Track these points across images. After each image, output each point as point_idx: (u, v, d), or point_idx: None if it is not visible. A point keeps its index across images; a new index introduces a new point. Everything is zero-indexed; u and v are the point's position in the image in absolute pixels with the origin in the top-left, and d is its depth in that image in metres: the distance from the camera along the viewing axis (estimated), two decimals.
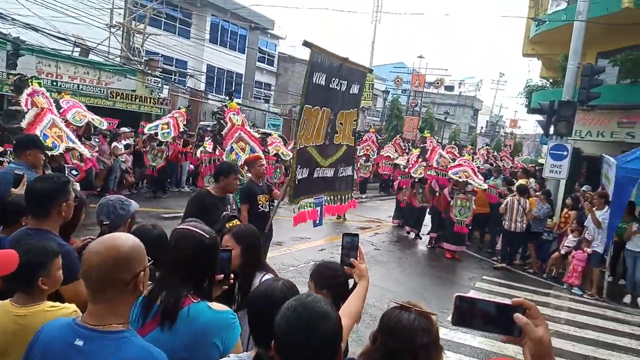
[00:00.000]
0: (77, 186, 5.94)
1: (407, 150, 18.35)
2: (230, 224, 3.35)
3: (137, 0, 20.48)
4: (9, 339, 1.82)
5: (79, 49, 17.00)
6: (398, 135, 22.62)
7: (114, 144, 11.88)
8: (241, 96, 26.78)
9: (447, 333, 5.45)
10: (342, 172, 5.46)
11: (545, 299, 7.76)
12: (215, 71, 26.99)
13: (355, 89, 5.24)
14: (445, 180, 10.05)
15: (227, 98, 9.26)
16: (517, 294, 7.68)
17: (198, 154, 12.53)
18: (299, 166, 4.56)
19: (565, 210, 9.70)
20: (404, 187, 11.93)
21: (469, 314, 1.11)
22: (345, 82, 4.91)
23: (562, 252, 8.85)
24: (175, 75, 23.80)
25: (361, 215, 13.22)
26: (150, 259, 1.54)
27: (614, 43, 11.72)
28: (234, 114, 8.25)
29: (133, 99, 16.95)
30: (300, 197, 4.70)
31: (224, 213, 3.72)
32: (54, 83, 14.83)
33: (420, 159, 11.48)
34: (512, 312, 1.07)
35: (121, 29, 19.23)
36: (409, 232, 11.51)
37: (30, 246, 2.01)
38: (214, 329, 1.77)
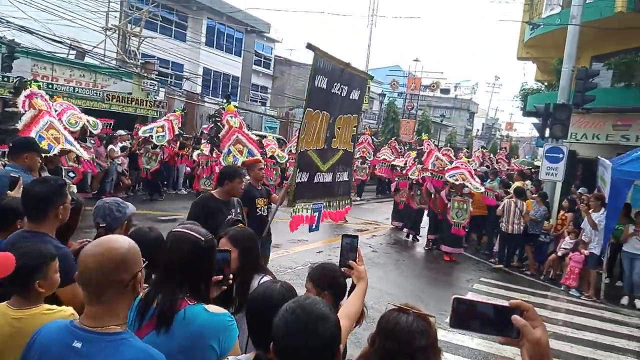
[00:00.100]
0: (74, 189, 5.91)
1: (402, 153, 18.37)
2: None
3: (133, 3, 20.46)
4: (5, 342, 1.81)
5: (74, 52, 16.96)
6: (393, 138, 22.67)
7: (110, 146, 11.84)
8: (237, 99, 26.77)
9: (446, 335, 5.45)
10: (339, 177, 5.46)
11: (543, 300, 7.77)
12: (212, 74, 26.97)
13: (355, 95, 5.24)
14: (440, 183, 10.07)
15: (225, 101, 9.27)
16: (514, 295, 7.70)
17: (195, 157, 12.50)
18: (299, 169, 4.55)
19: (561, 212, 9.74)
20: (402, 188, 11.95)
21: (467, 316, 1.11)
22: (346, 87, 4.91)
23: (559, 254, 8.88)
24: (171, 78, 23.76)
25: (358, 218, 13.22)
26: (145, 259, 1.53)
27: (608, 47, 11.80)
28: (231, 117, 8.25)
29: (129, 102, 16.90)
30: (299, 200, 4.69)
31: (228, 217, 3.70)
32: (50, 86, 14.76)
33: (416, 161, 11.50)
34: (509, 314, 1.07)
35: (117, 31, 19.21)
36: (408, 235, 11.52)
37: (27, 249, 2.01)
38: (210, 332, 1.76)
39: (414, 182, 11.02)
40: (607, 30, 10.64)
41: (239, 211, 4.37)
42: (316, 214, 4.97)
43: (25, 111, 6.26)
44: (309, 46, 4.20)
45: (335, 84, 4.70)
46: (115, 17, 19.53)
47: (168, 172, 14.31)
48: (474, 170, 11.26)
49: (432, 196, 10.34)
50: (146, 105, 17.51)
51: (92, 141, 11.18)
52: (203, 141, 12.37)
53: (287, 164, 15.03)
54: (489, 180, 11.81)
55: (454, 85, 45.82)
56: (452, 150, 13.89)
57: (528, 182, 12.76)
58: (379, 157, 16.97)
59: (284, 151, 14.73)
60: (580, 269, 8.28)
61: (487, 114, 55.84)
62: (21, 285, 1.92)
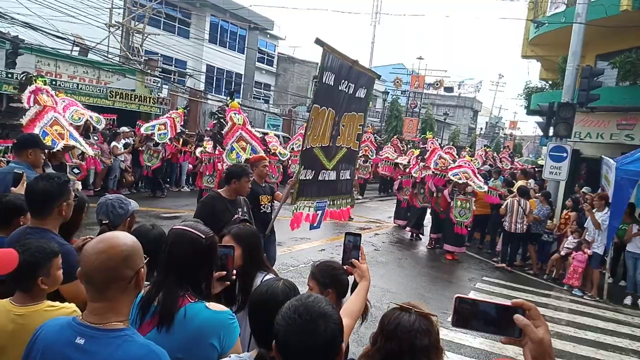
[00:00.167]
0: (79, 185, 5.90)
1: (404, 150, 18.32)
2: None
3: (137, 0, 20.47)
4: (7, 339, 1.81)
5: (78, 48, 16.98)
6: (395, 136, 22.64)
7: (113, 143, 11.87)
8: (240, 96, 26.78)
9: (448, 334, 5.44)
10: (342, 175, 5.44)
11: (546, 300, 7.76)
12: (215, 71, 26.99)
13: (362, 93, 5.20)
14: (442, 181, 10.05)
15: (229, 98, 9.27)
16: (517, 295, 7.68)
17: (198, 154, 12.51)
18: (303, 166, 4.52)
19: (565, 211, 9.70)
20: (405, 187, 11.93)
21: (469, 316, 1.10)
22: (353, 85, 4.87)
23: (562, 253, 8.85)
24: (174, 75, 23.79)
25: (361, 216, 13.22)
26: (146, 256, 1.54)
27: (613, 45, 11.73)
28: (235, 113, 8.24)
29: (132, 99, 16.93)
30: (301, 198, 4.67)
31: (235, 216, 3.67)
32: (53, 82, 14.79)
33: (419, 159, 11.48)
34: (512, 313, 1.06)
35: (120, 28, 19.22)
36: (412, 234, 11.48)
37: (30, 245, 2.01)
38: (211, 329, 1.76)
39: (417, 180, 10.99)
40: (612, 28, 10.58)
41: (245, 210, 4.32)
42: (319, 212, 4.95)
43: (30, 107, 6.24)
44: (318, 41, 4.14)
45: (343, 81, 4.66)
46: (119, 13, 19.54)
47: (171, 169, 14.35)
48: (477, 169, 11.23)
49: (434, 195, 10.33)
50: (149, 102, 17.54)
51: (96, 137, 11.21)
52: (206, 138, 12.36)
53: (290, 161, 15.02)
54: (492, 179, 11.78)
55: (458, 83, 45.64)
56: (455, 149, 13.84)
57: (531, 180, 12.72)
58: (382, 156, 16.96)
59: (286, 148, 14.72)
60: (583, 269, 8.25)
61: (490, 113, 55.68)
62: (24, 282, 1.93)
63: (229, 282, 2.16)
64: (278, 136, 16.69)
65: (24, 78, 8.15)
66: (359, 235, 2.27)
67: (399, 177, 12.82)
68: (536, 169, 17.00)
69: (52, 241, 2.18)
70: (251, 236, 2.58)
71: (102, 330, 1.41)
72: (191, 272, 1.85)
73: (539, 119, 11.88)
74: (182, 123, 13.04)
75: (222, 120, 8.92)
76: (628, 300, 7.91)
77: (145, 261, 1.53)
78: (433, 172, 10.28)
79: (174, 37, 23.94)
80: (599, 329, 6.59)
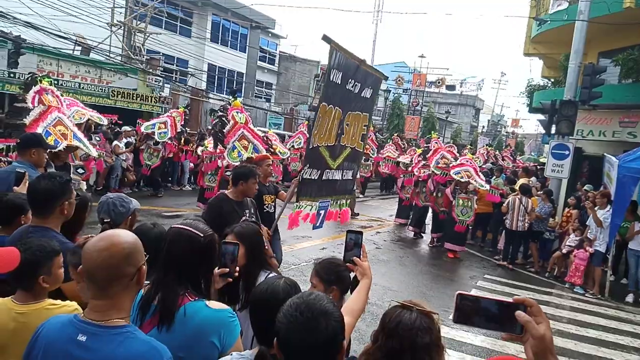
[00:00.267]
0: (84, 185, 5.88)
1: (405, 148, 18.28)
2: None
3: None
4: (9, 337, 1.82)
5: (80, 48, 17.01)
6: (396, 134, 22.62)
7: (115, 142, 11.88)
8: (242, 95, 26.79)
9: (449, 332, 5.44)
10: (345, 175, 5.42)
11: (547, 297, 7.75)
12: (217, 70, 26.99)
13: (367, 93, 5.15)
14: (442, 179, 10.05)
15: (231, 97, 9.27)
16: (519, 292, 7.68)
17: (199, 152, 12.51)
18: (307, 165, 4.48)
19: (567, 209, 9.69)
20: (407, 185, 11.92)
21: (470, 312, 1.10)
22: (359, 84, 4.82)
23: (564, 251, 8.84)
24: (176, 74, 23.80)
25: (363, 214, 13.22)
26: (146, 253, 1.54)
27: (615, 43, 11.70)
28: (237, 112, 8.23)
29: (134, 98, 16.96)
30: (303, 197, 4.62)
31: (243, 218, 3.65)
32: (55, 82, 14.83)
33: (422, 158, 11.47)
34: (513, 310, 1.06)
35: (122, 27, 19.24)
36: (415, 234, 11.47)
37: (31, 244, 2.02)
38: (211, 328, 1.76)
39: (419, 179, 10.99)
40: (614, 26, 10.54)
41: (252, 211, 4.27)
42: (322, 211, 4.91)
43: (34, 107, 6.24)
44: (325, 38, 4.06)
45: (350, 80, 4.60)
46: (121, 13, 19.56)
47: (172, 168, 14.36)
48: (479, 167, 11.22)
49: (434, 194, 10.35)
50: (151, 101, 17.56)
51: (98, 138, 11.23)
52: (208, 138, 12.36)
53: (289, 159, 15.01)
54: (494, 177, 11.77)
55: (460, 81, 45.60)
56: (456, 147, 13.83)
57: (533, 178, 12.70)
58: (383, 154, 16.93)
59: (285, 146, 14.70)
60: (585, 266, 8.24)
61: (492, 111, 55.62)
62: (25, 281, 1.93)
63: (231, 279, 2.15)
64: (279, 134, 16.68)
65: (29, 78, 8.16)
66: (361, 233, 2.27)
67: (401, 175, 12.80)
68: (538, 167, 16.98)
69: (54, 240, 2.19)
70: (254, 235, 2.58)
71: (103, 327, 1.41)
72: (190, 270, 1.84)
73: (541, 116, 11.83)
74: (182, 122, 13.02)
75: (224, 118, 8.91)
76: (630, 298, 7.90)
77: (146, 258, 1.53)
78: (433, 171, 10.28)
79: (175, 36, 23.95)
80: (601, 326, 6.58)
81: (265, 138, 9.37)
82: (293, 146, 16.16)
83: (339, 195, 5.31)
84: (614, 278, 8.58)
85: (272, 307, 1.56)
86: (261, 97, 31.03)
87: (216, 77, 27.18)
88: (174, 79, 22.48)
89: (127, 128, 12.83)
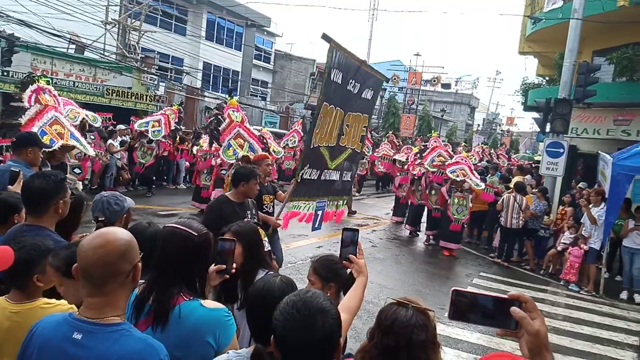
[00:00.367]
0: (80, 185, 5.85)
1: (399, 146, 18.30)
2: None
3: None
4: (2, 336, 1.81)
5: (74, 46, 16.91)
6: (390, 132, 22.64)
7: (110, 141, 11.83)
8: (238, 94, 26.73)
9: (445, 329, 5.46)
10: (345, 176, 5.40)
11: (542, 295, 7.78)
12: (212, 68, 26.92)
13: (368, 94, 5.12)
14: (439, 178, 10.08)
15: (228, 95, 9.25)
16: (514, 290, 7.69)
17: (195, 152, 12.48)
18: (307, 165, 4.43)
19: (561, 207, 9.74)
20: (403, 184, 11.94)
21: (465, 309, 1.11)
22: (359, 85, 4.78)
23: (559, 248, 8.88)
24: (171, 73, 23.71)
25: (359, 213, 13.22)
26: (141, 252, 1.54)
27: (610, 41, 11.75)
28: (233, 111, 8.22)
29: (129, 96, 16.88)
30: (299, 197, 4.59)
31: (245, 220, 3.62)
32: (49, 80, 14.76)
33: (417, 157, 11.50)
34: (508, 306, 1.07)
35: (117, 26, 19.14)
36: (410, 232, 11.49)
37: (25, 243, 2.01)
38: (206, 327, 1.75)
39: (415, 177, 11.01)
40: (609, 24, 10.59)
41: (254, 212, 4.21)
42: (320, 212, 4.88)
43: (31, 106, 6.19)
44: (324, 37, 4.01)
45: (351, 80, 4.55)
46: (115, 11, 19.47)
47: (168, 167, 14.31)
48: (474, 165, 11.25)
49: (427, 191, 10.41)
50: (146, 99, 17.48)
51: (92, 136, 11.17)
52: (203, 136, 12.33)
53: (283, 158, 14.99)
54: (489, 176, 11.80)
55: (455, 80, 45.64)
56: (450, 146, 13.87)
57: (528, 176, 12.75)
58: (379, 153, 16.95)
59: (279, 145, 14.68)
60: (580, 264, 8.29)
61: (488, 109, 55.74)
62: (19, 280, 1.92)
63: (228, 276, 2.14)
64: (276, 133, 16.66)
65: (27, 77, 8.11)
66: (357, 230, 2.27)
67: (398, 174, 12.83)
68: (533, 165, 17.04)
69: (48, 239, 2.18)
70: (251, 233, 2.57)
71: (99, 325, 1.41)
72: (185, 270, 1.83)
73: (536, 115, 11.90)
74: (176, 120, 12.95)
75: (219, 117, 8.90)
76: (624, 295, 7.95)
77: (140, 257, 1.53)
78: (427, 168, 10.32)
79: (170, 34, 23.86)
80: (595, 323, 6.62)
81: (261, 137, 9.37)
82: (287, 145, 16.14)
83: (335, 196, 5.28)
84: (608, 275, 8.64)
85: (268, 305, 1.56)
86: (257, 96, 30.98)
87: (211, 75, 27.11)
88: (169, 77, 22.40)
89: (121, 127, 12.77)
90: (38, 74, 8.52)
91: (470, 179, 9.44)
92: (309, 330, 1.31)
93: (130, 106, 16.77)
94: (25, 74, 12.02)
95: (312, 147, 4.35)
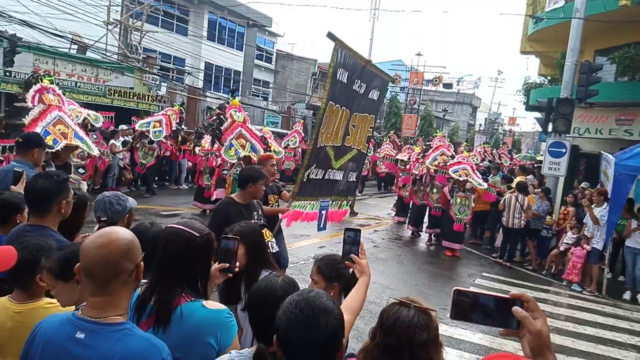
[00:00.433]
0: (85, 185, 5.82)
1: (400, 146, 18.30)
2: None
3: None
4: (6, 336, 1.81)
5: (76, 46, 16.94)
6: (392, 132, 22.63)
7: (112, 141, 11.85)
8: (239, 94, 26.74)
9: (447, 329, 5.46)
10: (350, 176, 5.37)
11: (545, 295, 7.77)
12: (213, 68, 26.94)
13: (374, 95, 5.10)
14: (443, 179, 10.07)
15: (230, 95, 9.27)
16: (516, 290, 7.68)
17: (197, 152, 12.50)
18: (314, 165, 4.39)
19: (563, 207, 9.71)
20: (405, 184, 11.93)
21: (467, 308, 1.10)
22: (365, 85, 4.76)
23: (561, 248, 8.87)
24: (173, 73, 23.74)
25: (361, 213, 13.22)
26: (143, 252, 1.54)
27: (611, 40, 11.72)
28: (235, 111, 8.23)
29: (131, 97, 16.91)
30: (304, 197, 4.56)
31: (253, 222, 3.61)
32: (53, 79, 14.79)
33: (420, 157, 11.50)
34: (510, 306, 1.07)
35: (118, 26, 19.17)
36: (413, 232, 11.47)
37: (28, 243, 2.01)
38: (208, 328, 1.75)
39: (416, 177, 11.01)
40: (611, 23, 10.57)
41: (260, 213, 4.18)
42: (324, 212, 4.86)
43: (34, 106, 6.17)
44: (330, 35, 3.98)
45: (356, 80, 4.52)
46: (117, 11, 19.49)
47: (170, 167, 14.34)
48: (476, 165, 11.24)
49: (427, 189, 10.44)
50: (148, 99, 17.51)
51: (95, 136, 11.19)
52: (205, 136, 12.34)
53: (283, 158, 15.00)
54: (491, 175, 11.78)
55: (457, 79, 45.60)
56: (452, 145, 13.83)
57: (530, 176, 12.72)
58: (381, 153, 16.94)
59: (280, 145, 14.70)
60: (582, 264, 8.27)
61: (489, 109, 55.69)
62: (22, 279, 1.93)
63: (231, 274, 2.14)
64: (278, 133, 16.65)
65: (31, 77, 8.10)
66: (359, 230, 2.26)
67: (400, 174, 12.82)
68: (535, 165, 17.02)
69: (51, 238, 2.18)
70: (254, 234, 2.57)
71: (102, 324, 1.41)
72: (186, 270, 1.82)
73: (538, 114, 11.87)
74: (177, 120, 12.96)
75: (221, 116, 8.92)
76: (627, 295, 7.93)
77: (142, 256, 1.53)
78: (427, 166, 10.33)
79: (172, 34, 23.89)
80: (598, 324, 6.60)
81: (263, 138, 9.38)
82: (288, 145, 16.14)
83: (339, 195, 5.27)
84: (611, 275, 8.62)
85: (270, 304, 1.56)
86: (258, 96, 30.98)
87: (213, 75, 27.13)
88: (170, 77, 22.43)
89: (123, 127, 12.79)
90: (42, 73, 8.49)
91: (473, 179, 9.43)
92: (312, 330, 1.31)
93: (132, 106, 16.80)
94: (28, 74, 12.05)
95: (318, 146, 4.33)
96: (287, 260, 5.40)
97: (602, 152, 9.54)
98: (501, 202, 9.46)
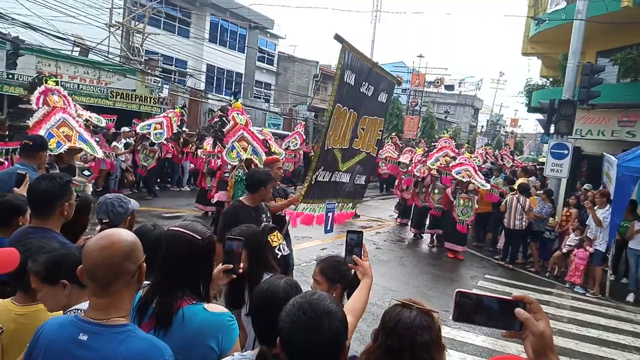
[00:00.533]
0: (90, 187, 5.80)
1: (401, 147, 18.27)
2: (272, 236, 3.30)
3: (137, 0, 20.48)
4: (8, 338, 1.81)
5: (78, 49, 17.00)
6: (394, 134, 22.64)
7: (114, 143, 11.87)
8: (241, 96, 26.79)
9: (450, 331, 5.44)
10: (357, 180, 5.35)
11: (548, 297, 7.74)
12: (215, 70, 26.99)
13: (383, 98, 5.09)
14: (446, 180, 10.07)
15: (233, 98, 9.28)
16: (519, 292, 7.66)
17: (199, 154, 12.50)
18: (322, 167, 4.38)
19: (566, 208, 9.69)
20: (408, 186, 11.92)
21: (470, 310, 1.10)
22: (373, 87, 4.74)
23: (564, 250, 8.84)
24: (175, 75, 23.80)
25: (363, 215, 13.22)
26: (145, 254, 1.54)
27: (613, 42, 11.72)
28: (237, 114, 8.23)
29: (133, 99, 16.95)
30: (311, 199, 4.55)
31: (263, 224, 3.56)
32: (58, 81, 14.84)
33: (421, 158, 11.49)
34: (513, 307, 1.07)
35: (121, 28, 19.24)
36: (415, 235, 11.45)
37: (30, 245, 2.01)
38: (209, 331, 1.74)
39: (419, 179, 11.00)
40: (613, 25, 10.56)
41: (268, 215, 4.15)
42: (330, 214, 4.84)
43: (39, 108, 6.13)
44: (337, 37, 3.96)
45: (364, 82, 4.51)
46: (119, 13, 19.56)
47: (172, 169, 14.35)
48: (478, 167, 11.23)
49: (429, 189, 10.42)
50: (150, 102, 17.55)
51: (97, 138, 11.20)
52: (207, 138, 12.34)
53: (284, 160, 14.99)
54: (493, 177, 11.77)
55: (459, 81, 45.58)
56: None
57: (533, 178, 12.70)
58: (383, 154, 16.92)
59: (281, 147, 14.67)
60: (585, 266, 8.24)
61: (491, 110, 55.63)
62: (25, 282, 1.93)
63: (235, 275, 2.13)
64: (279, 134, 16.64)
65: (36, 79, 8.09)
66: (361, 232, 2.26)
67: (403, 176, 12.81)
68: (537, 167, 16.99)
69: (54, 240, 2.18)
70: (254, 236, 2.57)
71: (104, 326, 1.41)
72: (188, 273, 1.82)
73: (540, 116, 11.85)
74: (179, 123, 12.97)
75: (224, 118, 8.92)
76: (630, 297, 7.90)
77: (144, 258, 1.53)
78: (429, 167, 10.32)
79: (174, 36, 23.94)
80: (601, 326, 6.58)
81: (264, 141, 9.38)
82: (288, 146, 16.13)
83: (345, 198, 5.25)
84: (614, 277, 8.59)
85: (272, 306, 1.56)
86: (260, 98, 31.02)
87: (215, 77, 27.18)
88: (172, 79, 22.48)
89: (125, 129, 12.81)
90: (47, 75, 8.48)
91: (476, 180, 9.43)
92: (315, 332, 1.31)
93: (134, 108, 16.84)
94: (31, 76, 12.07)
95: (326, 149, 4.32)
96: (293, 265, 5.39)
97: (604, 153, 9.52)
98: (502, 204, 9.46)
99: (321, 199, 4.71)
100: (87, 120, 9.10)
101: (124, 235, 1.48)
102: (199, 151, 12.46)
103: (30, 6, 14.66)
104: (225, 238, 2.20)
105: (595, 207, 8.23)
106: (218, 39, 26.83)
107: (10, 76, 13.38)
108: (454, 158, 10.55)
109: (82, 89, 15.60)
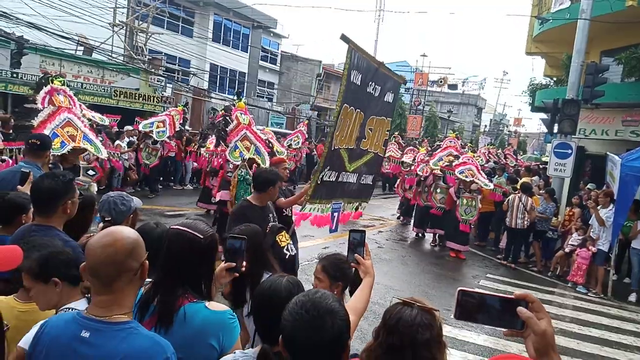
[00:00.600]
0: (95, 187, 5.81)
1: (404, 146, 18.24)
2: (280, 236, 3.30)
3: (140, 0, 20.52)
4: (12, 335, 1.82)
5: (82, 48, 17.05)
6: (397, 133, 22.61)
7: (117, 142, 11.91)
8: (244, 95, 26.80)
9: (451, 330, 5.44)
10: (364, 179, 5.36)
11: (550, 297, 7.73)
12: (218, 70, 27.02)
13: (389, 98, 5.10)
14: (451, 179, 10.05)
15: (236, 97, 9.28)
16: (521, 292, 7.64)
17: (202, 152, 12.52)
18: (327, 167, 4.38)
19: (569, 208, 9.67)
20: (411, 185, 11.91)
21: (472, 308, 1.10)
22: (380, 87, 4.74)
23: (567, 250, 8.82)
24: (178, 74, 23.82)
25: (365, 213, 13.18)
26: (147, 252, 1.55)
27: (618, 41, 11.67)
28: (241, 113, 8.24)
29: (136, 98, 16.99)
30: (318, 199, 4.55)
31: (271, 224, 3.56)
32: (64, 81, 14.89)
33: (425, 157, 11.49)
34: (515, 306, 1.06)
35: (124, 27, 19.28)
36: (417, 234, 11.44)
37: (33, 242, 2.02)
38: (210, 329, 1.75)
39: (421, 178, 10.99)
40: (617, 24, 10.52)
41: (275, 214, 4.16)
42: (336, 214, 4.84)
43: (44, 108, 6.13)
44: (343, 37, 3.97)
45: (370, 82, 4.52)
46: (123, 13, 19.59)
47: (175, 168, 14.39)
48: (481, 166, 11.21)
49: (431, 188, 10.41)
50: (153, 101, 17.59)
51: (101, 138, 11.24)
52: (210, 137, 12.35)
53: (286, 158, 14.97)
54: (496, 176, 11.75)
55: (462, 80, 45.54)
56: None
57: (536, 177, 12.67)
58: (386, 153, 16.89)
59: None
60: (588, 266, 8.22)
61: (495, 110, 55.49)
62: None
63: (237, 274, 2.13)
64: (282, 133, 16.63)
65: (42, 79, 8.10)
66: (364, 231, 2.26)
67: (405, 175, 12.80)
68: (541, 166, 16.94)
69: (57, 238, 2.19)
70: (254, 236, 2.57)
71: (107, 323, 1.42)
72: (190, 272, 1.82)
73: (544, 115, 11.82)
74: (181, 121, 12.98)
75: (227, 117, 8.94)
76: (633, 297, 7.87)
77: (147, 255, 1.54)
78: (431, 167, 10.32)
79: (177, 36, 23.97)
80: (604, 326, 6.56)
81: (267, 141, 9.38)
82: (290, 145, 16.11)
83: (351, 197, 5.26)
84: (616, 277, 8.56)
85: (274, 305, 1.57)
86: (263, 97, 31.04)
87: (218, 76, 27.21)
88: (176, 78, 22.51)
89: (129, 127, 12.85)
90: (53, 74, 8.47)
91: (479, 179, 9.41)
92: (318, 331, 1.31)
93: (137, 107, 16.88)
94: (35, 75, 12.07)
95: (332, 149, 4.33)
96: (297, 265, 5.41)
97: (608, 153, 9.48)
98: (505, 203, 9.44)
99: (328, 199, 4.70)
100: (90, 119, 9.12)
101: (127, 232, 1.49)
102: (202, 150, 12.48)
103: (35, 6, 14.72)
104: (228, 237, 2.20)
105: (599, 207, 8.20)
106: (221, 38, 26.86)
107: (15, 75, 13.43)
108: (457, 157, 10.53)
109: (85, 88, 15.65)
